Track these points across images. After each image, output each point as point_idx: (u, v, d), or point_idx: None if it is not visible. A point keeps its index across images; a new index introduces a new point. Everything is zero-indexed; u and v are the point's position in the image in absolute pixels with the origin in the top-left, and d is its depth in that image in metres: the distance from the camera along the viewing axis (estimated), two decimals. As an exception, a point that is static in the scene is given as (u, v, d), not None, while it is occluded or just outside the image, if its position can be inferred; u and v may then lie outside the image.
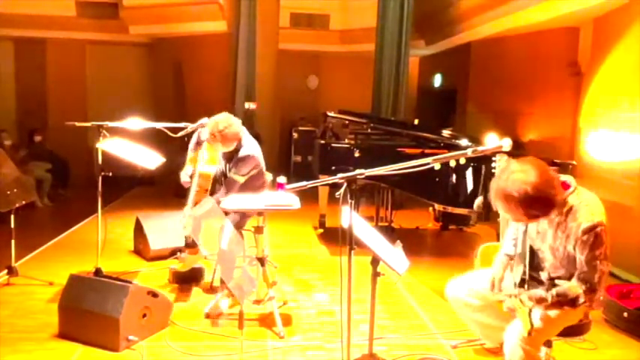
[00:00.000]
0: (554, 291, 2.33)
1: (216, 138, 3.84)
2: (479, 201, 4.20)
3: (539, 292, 2.36)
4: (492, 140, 5.12)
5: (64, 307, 3.32)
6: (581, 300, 2.30)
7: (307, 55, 11.02)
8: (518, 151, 5.92)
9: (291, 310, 3.91)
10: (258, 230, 3.61)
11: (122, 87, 10.23)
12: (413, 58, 10.28)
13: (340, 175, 2.43)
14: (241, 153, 3.97)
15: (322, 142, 5.91)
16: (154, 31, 9.61)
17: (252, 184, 4.07)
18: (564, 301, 2.31)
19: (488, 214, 4.39)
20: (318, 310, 3.95)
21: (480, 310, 2.83)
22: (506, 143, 2.43)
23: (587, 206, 2.30)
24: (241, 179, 3.99)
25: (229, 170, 4.05)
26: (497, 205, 2.28)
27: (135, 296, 3.18)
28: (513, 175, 2.20)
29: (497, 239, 3.38)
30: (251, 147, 4.02)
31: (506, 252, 2.68)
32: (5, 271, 4.24)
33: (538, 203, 2.18)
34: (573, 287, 2.31)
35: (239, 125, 3.95)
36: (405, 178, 4.57)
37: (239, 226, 3.87)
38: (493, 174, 3.45)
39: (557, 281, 2.44)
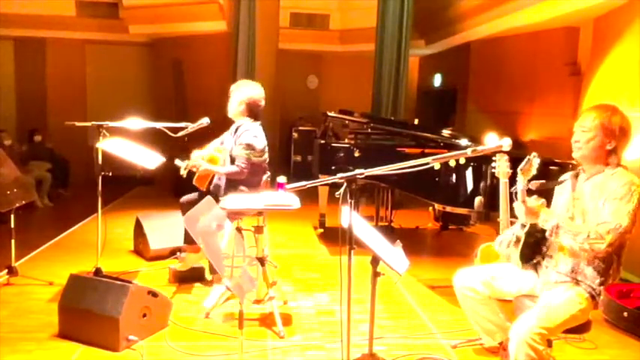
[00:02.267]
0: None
1: (231, 91, 4.12)
2: (479, 201, 4.20)
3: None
4: (492, 140, 5.11)
5: (64, 307, 3.32)
6: (582, 238, 2.34)
7: (307, 55, 11.02)
8: (518, 150, 5.91)
9: (291, 310, 3.91)
10: (258, 230, 3.61)
11: (122, 87, 10.22)
12: (413, 58, 10.28)
13: (340, 174, 2.43)
14: (242, 128, 4.06)
15: (322, 142, 5.91)
16: (154, 31, 9.60)
17: (251, 179, 4.07)
18: (572, 229, 2.40)
19: (488, 214, 4.39)
20: (318, 310, 3.95)
21: (485, 303, 2.83)
22: (506, 143, 2.44)
23: (630, 173, 2.48)
24: (243, 152, 3.96)
25: (234, 147, 4.08)
26: (592, 111, 2.52)
27: (135, 296, 3.18)
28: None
29: (497, 239, 3.37)
30: (253, 127, 4.06)
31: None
32: (5, 271, 4.24)
33: (620, 128, 2.47)
34: (584, 227, 2.40)
35: (254, 95, 4.07)
36: (404, 177, 4.58)
37: None
38: (493, 174, 3.44)
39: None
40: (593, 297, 2.48)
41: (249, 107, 4.08)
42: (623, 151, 2.52)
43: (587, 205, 2.49)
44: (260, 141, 4.06)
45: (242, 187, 4.03)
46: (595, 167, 2.53)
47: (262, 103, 4.14)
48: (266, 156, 4.14)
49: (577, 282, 2.50)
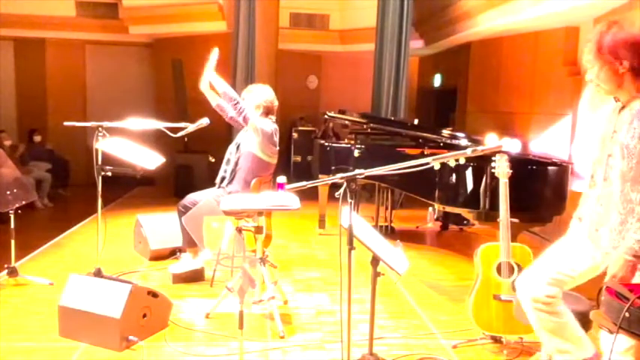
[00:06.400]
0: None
1: (243, 98, 4.33)
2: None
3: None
4: (492, 140, 5.12)
5: (64, 308, 3.32)
6: None
7: (307, 55, 11.02)
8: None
9: (291, 310, 3.91)
10: (258, 230, 3.61)
11: (122, 87, 10.22)
12: (413, 58, 10.28)
13: (340, 175, 2.44)
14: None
15: (322, 142, 5.91)
16: (154, 31, 9.61)
17: (250, 166, 4.17)
18: None
19: (488, 214, 4.39)
20: (318, 310, 3.96)
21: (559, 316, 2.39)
22: (506, 143, 2.43)
23: None
24: (255, 121, 4.13)
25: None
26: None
27: (135, 296, 3.18)
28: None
29: (498, 239, 3.37)
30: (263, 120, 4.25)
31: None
32: (5, 271, 4.24)
33: (625, 42, 2.14)
34: None
35: (269, 98, 4.28)
36: (404, 177, 4.58)
37: None
38: (493, 174, 3.44)
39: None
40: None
41: (266, 110, 4.27)
42: None
43: (626, 138, 2.19)
44: (264, 128, 4.17)
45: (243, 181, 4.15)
46: (628, 94, 2.22)
47: (276, 102, 4.35)
48: (267, 146, 4.21)
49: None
